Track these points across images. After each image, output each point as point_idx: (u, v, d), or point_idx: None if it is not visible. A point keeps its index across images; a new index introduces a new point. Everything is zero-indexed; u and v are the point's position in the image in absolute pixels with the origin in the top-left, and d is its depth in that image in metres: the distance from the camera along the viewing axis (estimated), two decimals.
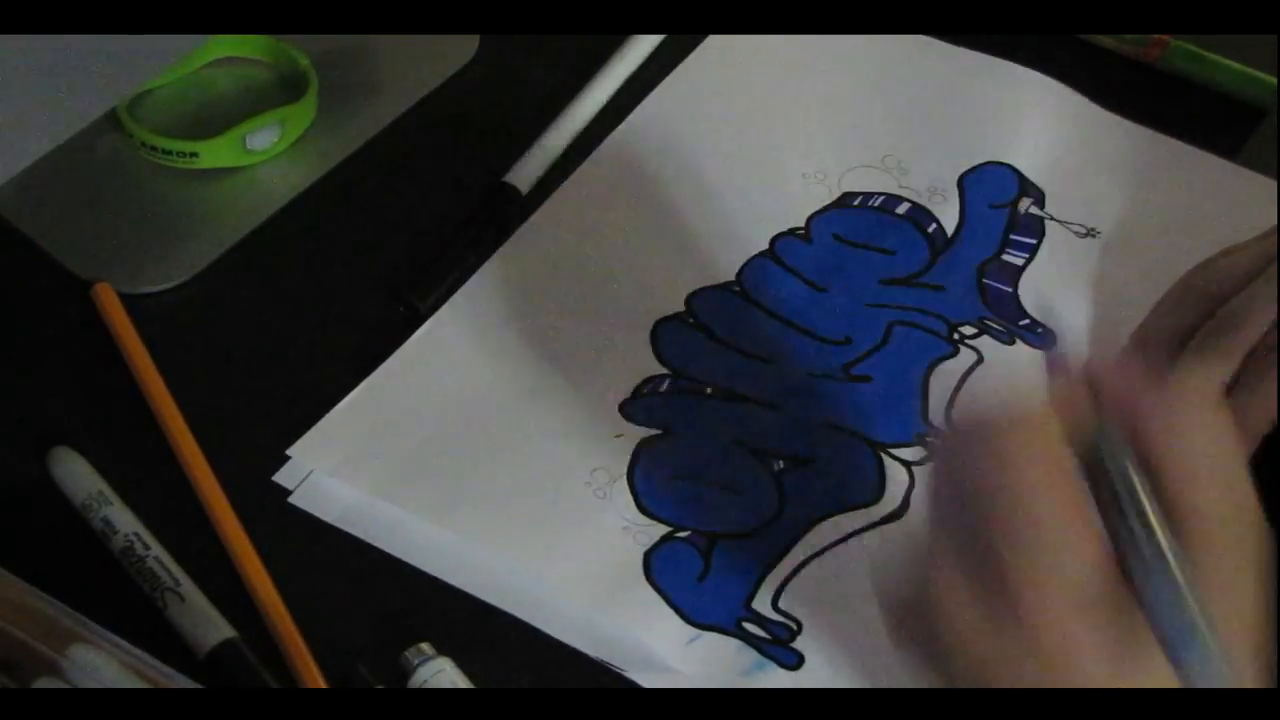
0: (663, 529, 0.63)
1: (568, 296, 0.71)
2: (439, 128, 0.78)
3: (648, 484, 0.65)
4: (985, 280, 0.72)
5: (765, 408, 0.67)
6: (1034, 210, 0.75)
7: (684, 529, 0.63)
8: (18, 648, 0.56)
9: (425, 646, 0.59)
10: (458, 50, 0.81)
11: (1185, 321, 0.62)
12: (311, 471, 0.64)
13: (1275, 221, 0.70)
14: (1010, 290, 0.72)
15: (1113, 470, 0.44)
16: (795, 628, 0.61)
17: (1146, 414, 0.45)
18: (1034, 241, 0.74)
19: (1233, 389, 0.61)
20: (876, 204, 0.75)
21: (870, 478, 0.65)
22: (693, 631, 0.61)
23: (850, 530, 0.64)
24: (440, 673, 0.58)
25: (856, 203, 0.75)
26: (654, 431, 0.66)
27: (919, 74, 0.81)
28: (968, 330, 0.70)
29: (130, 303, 0.69)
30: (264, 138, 0.75)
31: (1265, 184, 0.76)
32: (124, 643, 0.56)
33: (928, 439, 0.66)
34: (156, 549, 0.61)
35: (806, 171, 0.76)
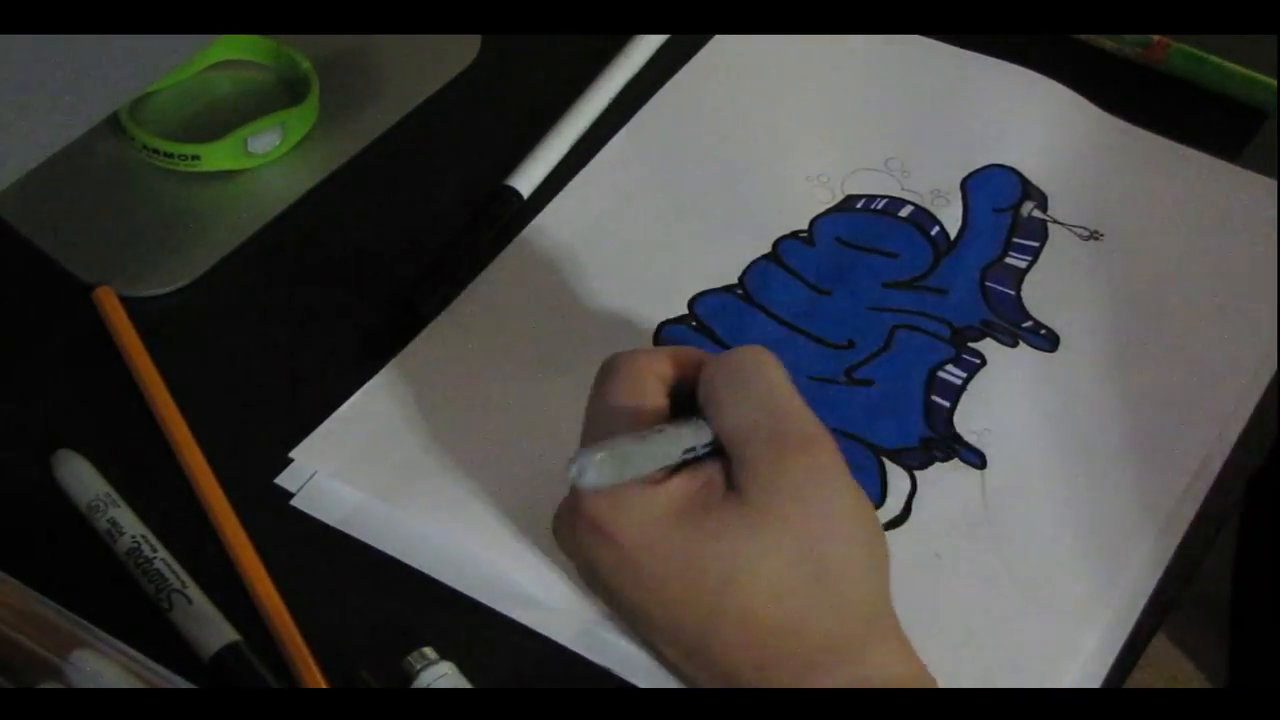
0: None
1: (570, 300, 0.71)
2: (441, 130, 0.78)
3: None
4: (988, 283, 0.72)
5: None
6: (1037, 213, 0.75)
7: None
8: (19, 652, 0.56)
9: (428, 651, 0.59)
10: (459, 52, 0.81)
11: None
12: (314, 474, 0.64)
13: (1276, 222, 0.70)
14: (1013, 293, 0.72)
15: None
16: None
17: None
18: (1037, 244, 0.74)
19: None
20: (879, 207, 0.75)
21: (872, 483, 0.65)
22: None
23: None
24: (443, 677, 0.58)
25: (859, 205, 0.75)
26: None
27: (922, 77, 0.81)
28: (970, 333, 0.70)
29: (132, 306, 0.69)
30: (265, 140, 0.75)
31: (1266, 186, 0.76)
32: (126, 647, 0.56)
33: None
34: (163, 551, 0.61)
35: (809, 174, 0.76)
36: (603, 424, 0.56)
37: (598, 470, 0.53)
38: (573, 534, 0.56)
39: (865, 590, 0.54)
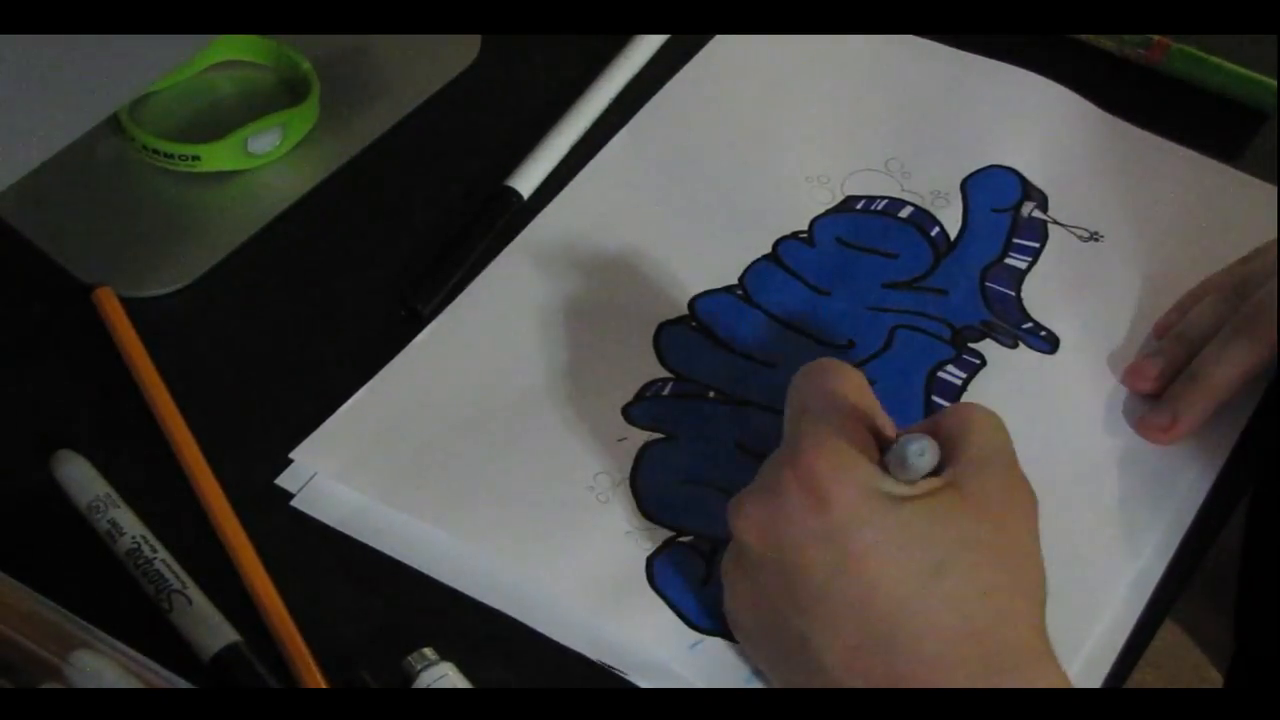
0: (665, 533, 0.63)
1: (570, 300, 0.71)
2: (441, 131, 0.78)
3: (651, 488, 0.64)
4: (988, 284, 0.72)
5: (768, 411, 0.67)
6: (1037, 214, 0.75)
7: (687, 533, 0.63)
8: (20, 653, 0.56)
9: (428, 651, 0.59)
10: (459, 53, 0.81)
11: (1165, 364, 0.68)
12: (314, 475, 0.64)
13: (1275, 223, 0.70)
14: (1013, 294, 0.72)
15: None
16: None
17: None
18: (1037, 245, 0.74)
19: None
20: (879, 207, 0.75)
21: None
22: (695, 636, 0.60)
23: None
24: (443, 678, 0.58)
25: (859, 206, 0.75)
26: (657, 435, 0.66)
27: (922, 78, 0.81)
28: (971, 334, 0.70)
29: (132, 307, 0.69)
30: (266, 141, 0.75)
31: (1266, 188, 0.76)
32: (126, 648, 0.56)
33: None
34: (163, 552, 0.61)
35: (810, 175, 0.76)
36: (845, 414, 0.57)
37: (931, 457, 0.54)
38: (769, 504, 0.55)
39: (1040, 609, 0.56)
